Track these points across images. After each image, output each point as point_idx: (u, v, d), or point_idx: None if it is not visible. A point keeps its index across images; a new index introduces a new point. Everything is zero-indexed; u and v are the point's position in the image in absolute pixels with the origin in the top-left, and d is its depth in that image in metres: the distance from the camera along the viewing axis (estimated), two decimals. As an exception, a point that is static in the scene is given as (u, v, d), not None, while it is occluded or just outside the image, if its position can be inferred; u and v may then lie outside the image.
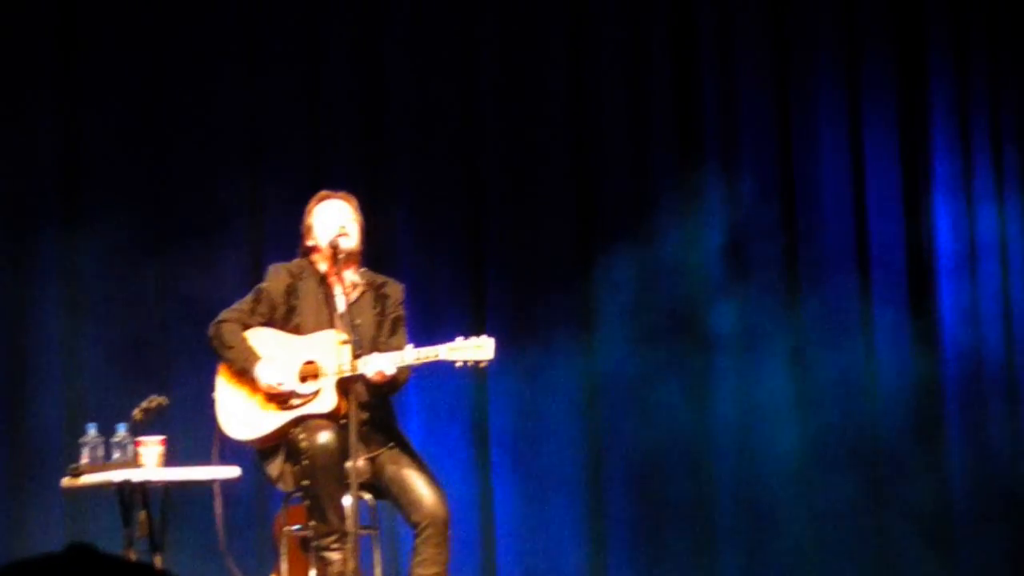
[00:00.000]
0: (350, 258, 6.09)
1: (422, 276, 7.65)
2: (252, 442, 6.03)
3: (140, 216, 7.39)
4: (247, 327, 6.05)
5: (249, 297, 6.12)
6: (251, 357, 5.97)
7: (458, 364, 5.90)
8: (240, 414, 6.01)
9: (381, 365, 5.86)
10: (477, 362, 5.90)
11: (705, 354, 8.09)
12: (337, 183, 6.39)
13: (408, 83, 7.86)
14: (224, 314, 6.08)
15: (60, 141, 7.41)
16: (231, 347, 6.00)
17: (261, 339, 6.04)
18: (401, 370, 5.94)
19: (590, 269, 8.00)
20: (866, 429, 8.25)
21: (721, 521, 8.07)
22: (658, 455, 7.97)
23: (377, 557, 6.13)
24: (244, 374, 5.98)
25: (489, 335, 5.94)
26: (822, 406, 8.16)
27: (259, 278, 6.21)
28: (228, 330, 6.03)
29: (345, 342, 5.86)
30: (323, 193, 6.19)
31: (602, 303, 7.98)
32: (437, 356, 5.88)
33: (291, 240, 6.22)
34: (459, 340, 5.89)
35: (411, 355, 5.89)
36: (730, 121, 8.29)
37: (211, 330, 6.07)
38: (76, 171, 7.42)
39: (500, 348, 5.96)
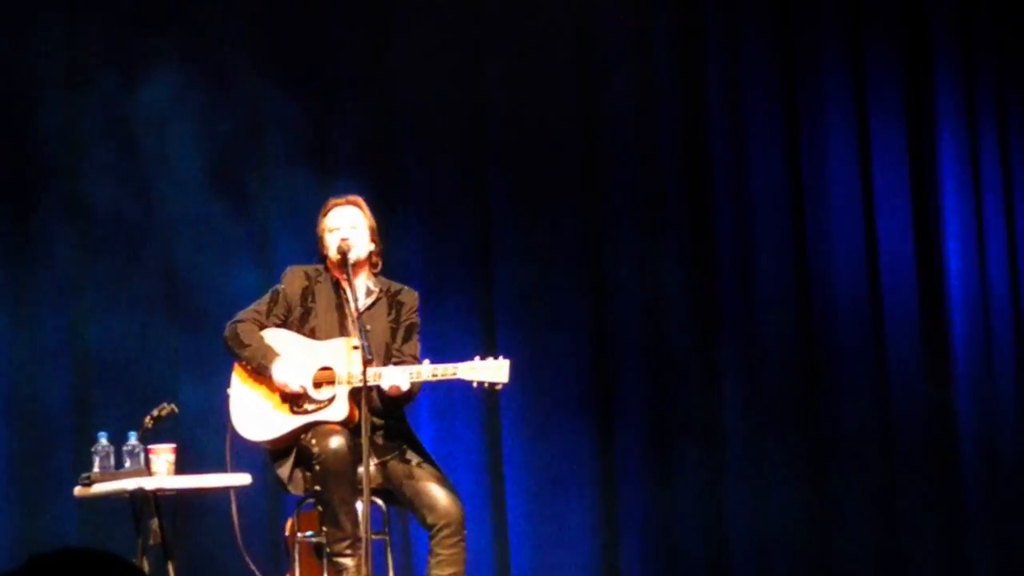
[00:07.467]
0: (359, 265, 6.09)
1: (431, 288, 7.61)
2: (263, 443, 6.03)
3: (139, 217, 7.34)
4: (263, 328, 6.05)
5: (265, 298, 6.12)
6: (269, 354, 5.97)
7: (474, 384, 5.89)
8: (253, 414, 6.01)
9: (397, 380, 5.84)
10: (493, 384, 5.89)
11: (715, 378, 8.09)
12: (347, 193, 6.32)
13: (419, 93, 7.81)
14: (241, 314, 6.09)
15: (62, 128, 7.34)
16: (248, 345, 5.99)
17: (278, 339, 6.03)
18: (414, 383, 5.93)
19: (599, 277, 7.98)
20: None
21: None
22: (672, 453, 7.95)
23: (390, 562, 6.12)
24: (261, 372, 5.98)
25: (505, 355, 5.93)
26: None
27: (266, 280, 6.19)
28: (245, 329, 6.03)
29: (356, 347, 5.85)
30: (330, 202, 6.18)
31: (609, 310, 7.96)
32: (455, 374, 5.86)
33: (298, 248, 6.20)
34: (477, 360, 5.88)
35: (428, 371, 5.87)
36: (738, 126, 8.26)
37: (227, 330, 6.06)
38: (74, 167, 7.34)
39: (513, 354, 5.93)
